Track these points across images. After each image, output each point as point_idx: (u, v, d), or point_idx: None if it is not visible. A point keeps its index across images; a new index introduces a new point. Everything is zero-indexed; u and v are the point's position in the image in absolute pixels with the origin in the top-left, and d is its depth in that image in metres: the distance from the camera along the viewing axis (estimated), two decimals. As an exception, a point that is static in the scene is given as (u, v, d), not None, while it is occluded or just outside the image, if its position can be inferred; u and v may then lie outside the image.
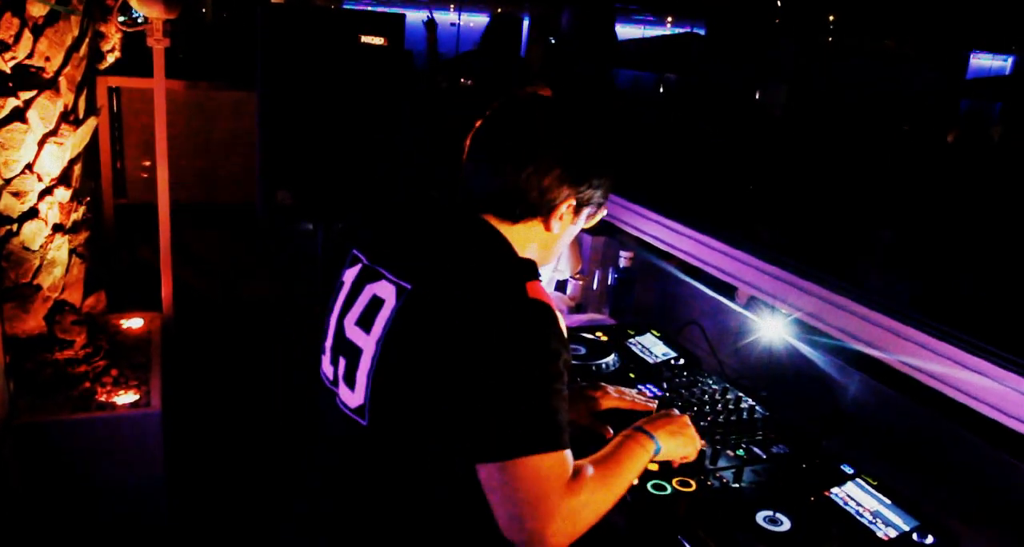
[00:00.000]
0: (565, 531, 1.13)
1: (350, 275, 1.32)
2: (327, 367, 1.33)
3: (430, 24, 4.75)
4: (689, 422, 1.45)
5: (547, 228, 1.30)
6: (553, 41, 2.98)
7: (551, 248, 1.35)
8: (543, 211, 1.28)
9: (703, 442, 1.53)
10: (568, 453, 1.15)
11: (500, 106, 1.32)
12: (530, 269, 1.25)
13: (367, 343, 1.24)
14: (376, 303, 1.25)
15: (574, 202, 1.29)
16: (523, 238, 1.30)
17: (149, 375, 2.96)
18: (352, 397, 1.27)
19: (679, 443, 1.40)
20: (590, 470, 1.21)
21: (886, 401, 1.65)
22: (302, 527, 1.36)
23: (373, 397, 1.23)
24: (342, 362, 1.28)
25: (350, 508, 1.28)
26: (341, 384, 1.29)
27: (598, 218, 1.38)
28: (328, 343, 1.33)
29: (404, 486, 1.24)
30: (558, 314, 1.20)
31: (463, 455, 1.15)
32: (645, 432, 1.37)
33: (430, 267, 1.24)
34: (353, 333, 1.27)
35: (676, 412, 1.48)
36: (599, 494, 1.20)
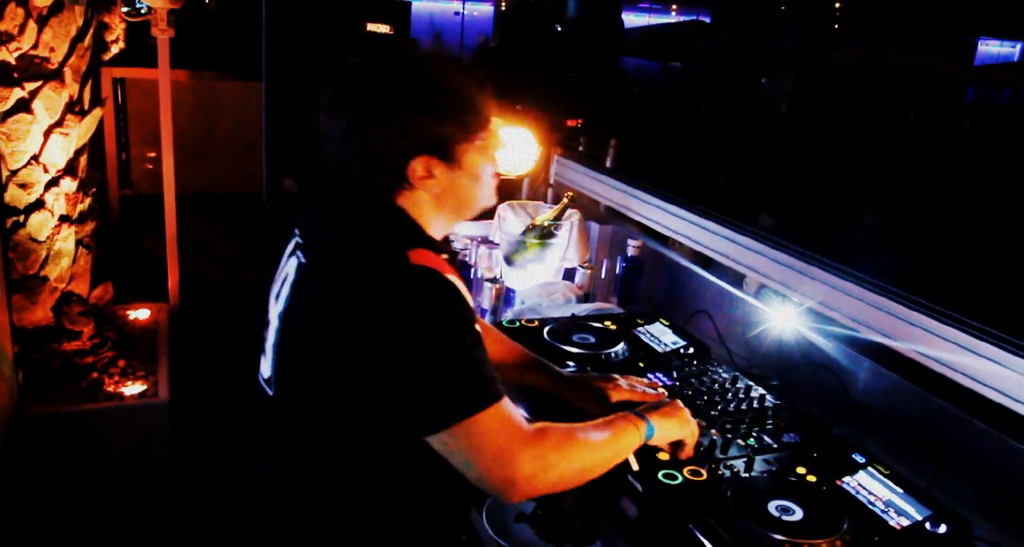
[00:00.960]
0: (538, 477, 1.16)
1: (286, 249, 1.36)
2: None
3: None
4: (682, 405, 1.45)
5: (422, 190, 1.24)
6: (560, 28, 2.96)
7: (457, 199, 1.28)
8: (400, 181, 1.23)
9: (702, 426, 1.53)
10: (505, 402, 1.16)
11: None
12: (414, 237, 1.24)
13: (274, 316, 1.30)
14: (286, 277, 1.30)
15: (427, 156, 1.22)
16: (413, 206, 1.26)
17: (156, 366, 2.97)
18: (264, 367, 1.33)
19: (672, 424, 1.40)
20: (563, 426, 1.24)
21: (897, 389, 1.64)
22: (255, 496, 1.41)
23: (276, 369, 1.29)
24: (264, 333, 1.34)
25: (274, 476, 1.34)
26: (262, 355, 1.35)
27: (495, 148, 1.30)
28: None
29: (312, 455, 1.27)
30: (451, 277, 1.17)
31: (397, 430, 1.17)
32: (636, 413, 1.38)
33: (323, 242, 1.28)
34: (270, 304, 1.33)
35: (667, 398, 1.49)
36: (573, 446, 1.22)
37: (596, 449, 1.26)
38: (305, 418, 1.26)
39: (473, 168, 1.27)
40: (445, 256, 1.26)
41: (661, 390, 1.63)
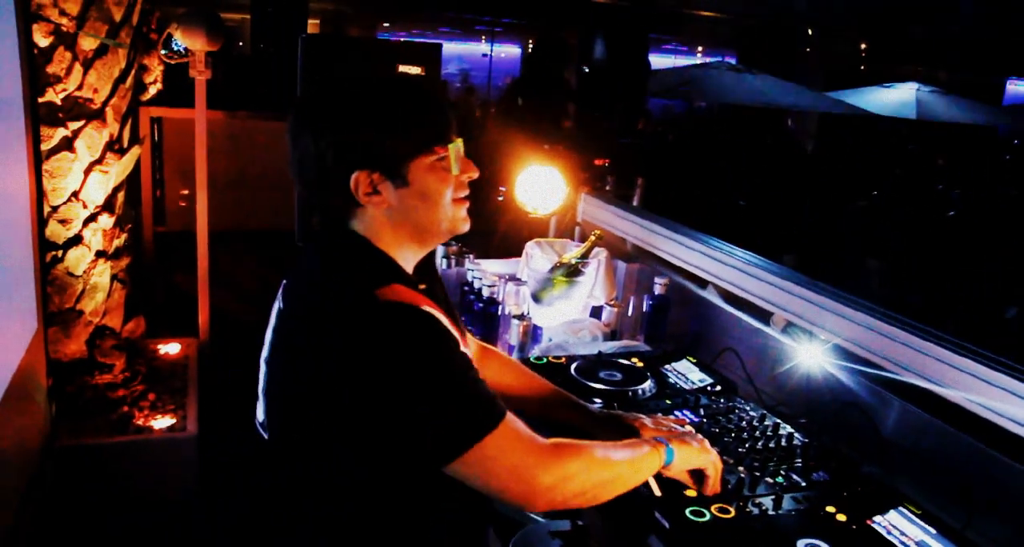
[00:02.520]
0: (558, 487, 1.17)
1: (276, 298, 1.37)
2: None
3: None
4: (702, 437, 1.45)
5: (372, 208, 1.23)
6: (587, 69, 3.01)
7: (412, 220, 1.26)
8: (346, 199, 1.22)
9: (729, 463, 1.53)
10: (510, 419, 1.16)
11: None
12: (383, 271, 1.22)
13: (263, 360, 1.32)
14: (271, 321, 1.32)
15: (367, 172, 1.21)
16: (372, 229, 1.26)
17: (186, 400, 3.00)
18: (259, 411, 1.34)
19: (692, 451, 1.39)
20: (580, 440, 1.25)
21: (926, 427, 1.62)
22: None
23: (267, 413, 1.30)
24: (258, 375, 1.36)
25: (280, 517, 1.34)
26: (257, 398, 1.36)
27: (453, 165, 1.26)
28: None
29: (307, 495, 1.27)
30: (427, 309, 1.15)
31: (407, 464, 1.18)
32: (655, 437, 1.39)
33: (296, 284, 1.29)
34: (263, 350, 1.34)
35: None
36: (591, 458, 1.23)
37: (615, 464, 1.27)
38: (301, 459, 1.26)
39: (422, 187, 1.24)
40: (423, 286, 1.27)
41: (689, 428, 1.63)
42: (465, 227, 1.32)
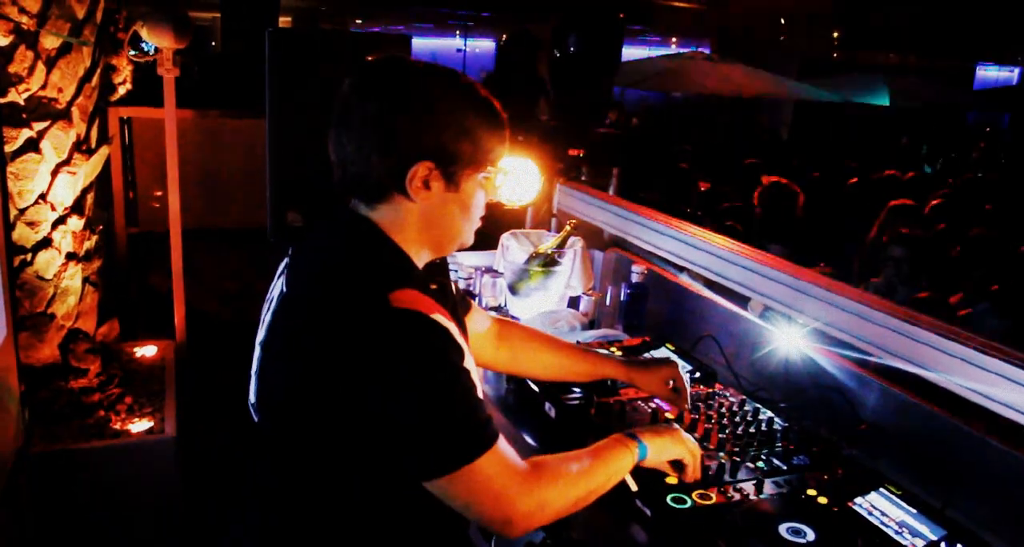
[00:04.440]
0: (535, 514, 1.17)
1: (279, 268, 1.35)
2: None
3: None
4: (676, 426, 1.45)
5: (415, 200, 1.21)
6: (558, 54, 3.00)
7: (443, 225, 1.26)
8: (395, 181, 1.19)
9: (711, 449, 1.53)
10: (500, 443, 1.16)
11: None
12: (398, 275, 1.20)
13: (258, 342, 1.29)
14: (270, 302, 1.30)
15: (432, 165, 1.19)
16: (398, 222, 1.23)
17: (163, 402, 2.96)
18: (251, 393, 1.33)
19: (665, 442, 1.38)
20: (556, 459, 1.25)
21: (906, 408, 1.62)
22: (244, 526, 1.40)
23: (258, 395, 1.29)
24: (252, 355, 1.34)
25: (261, 502, 1.34)
26: (249, 378, 1.34)
27: (493, 187, 1.28)
28: None
29: (295, 480, 1.26)
30: (436, 317, 1.14)
31: (391, 474, 1.17)
32: (628, 434, 1.37)
33: (301, 271, 1.27)
34: (258, 331, 1.31)
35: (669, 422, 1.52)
36: (567, 480, 1.23)
37: (589, 478, 1.27)
38: (289, 446, 1.25)
39: (467, 198, 1.26)
40: (434, 286, 1.27)
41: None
42: (471, 241, 1.35)
